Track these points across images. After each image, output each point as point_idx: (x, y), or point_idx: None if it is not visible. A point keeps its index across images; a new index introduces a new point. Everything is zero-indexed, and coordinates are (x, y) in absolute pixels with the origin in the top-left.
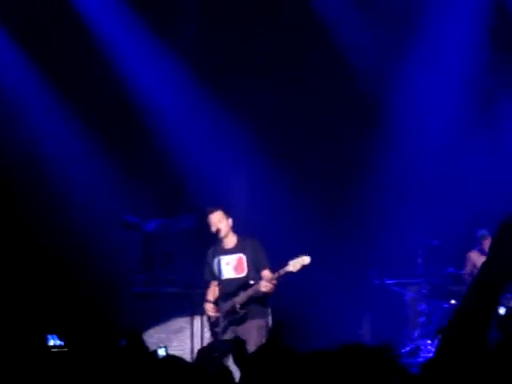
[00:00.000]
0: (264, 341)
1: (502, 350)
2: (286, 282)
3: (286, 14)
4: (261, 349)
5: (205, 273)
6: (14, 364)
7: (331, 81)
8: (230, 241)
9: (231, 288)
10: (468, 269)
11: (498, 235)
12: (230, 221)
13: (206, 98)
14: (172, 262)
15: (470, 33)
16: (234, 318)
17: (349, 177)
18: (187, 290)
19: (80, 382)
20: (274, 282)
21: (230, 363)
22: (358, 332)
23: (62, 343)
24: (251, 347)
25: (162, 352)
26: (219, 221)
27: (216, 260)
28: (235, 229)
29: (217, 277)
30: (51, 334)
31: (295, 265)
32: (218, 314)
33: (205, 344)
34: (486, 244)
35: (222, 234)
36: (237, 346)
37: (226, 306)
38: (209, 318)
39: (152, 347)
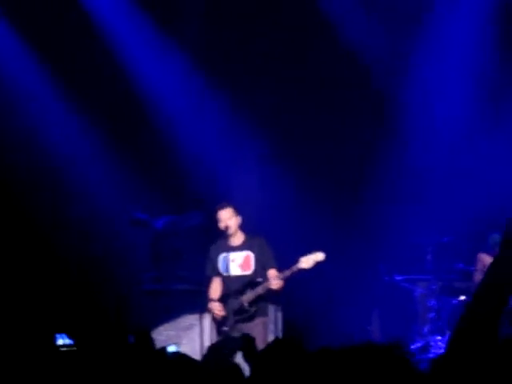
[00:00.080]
0: (269, 337)
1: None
2: (295, 279)
3: (296, 11)
4: (270, 346)
5: (206, 268)
6: (23, 364)
7: (341, 78)
8: (237, 238)
9: (237, 285)
10: (478, 269)
11: (507, 234)
12: (239, 219)
13: (214, 96)
14: (181, 259)
15: (480, 29)
16: (242, 316)
17: (359, 174)
18: (197, 287)
19: (89, 382)
20: (284, 279)
21: (240, 360)
22: (368, 328)
23: (72, 342)
24: (259, 344)
25: (172, 349)
26: (229, 218)
27: (221, 256)
28: (243, 227)
29: (220, 273)
30: (60, 333)
31: (308, 261)
32: (224, 314)
33: (214, 341)
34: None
35: (231, 231)
36: (247, 343)
37: (234, 304)
38: (213, 317)
39: (161, 344)
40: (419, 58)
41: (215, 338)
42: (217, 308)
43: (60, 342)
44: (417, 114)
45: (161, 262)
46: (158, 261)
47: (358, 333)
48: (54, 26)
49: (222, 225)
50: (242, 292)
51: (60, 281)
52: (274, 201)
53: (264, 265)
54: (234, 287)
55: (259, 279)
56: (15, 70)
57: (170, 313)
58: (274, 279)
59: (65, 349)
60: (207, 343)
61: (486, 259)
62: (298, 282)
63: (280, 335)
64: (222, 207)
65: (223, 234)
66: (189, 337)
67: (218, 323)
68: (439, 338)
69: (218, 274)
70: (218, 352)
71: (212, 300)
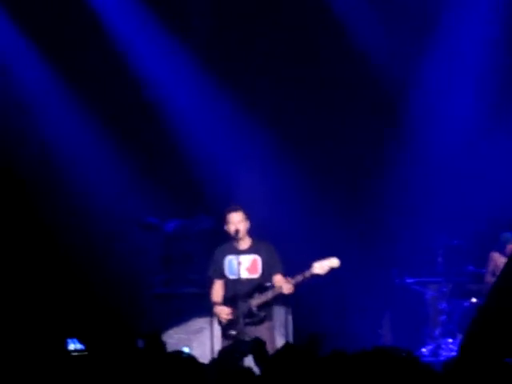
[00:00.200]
0: (277, 341)
1: None
2: (306, 283)
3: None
4: (281, 350)
5: (210, 270)
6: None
7: (344, 77)
8: (245, 242)
9: (243, 288)
10: (490, 268)
11: None
12: (248, 223)
13: (223, 98)
14: (191, 262)
15: (488, 31)
16: (252, 319)
17: (369, 176)
18: (207, 290)
19: None
20: (295, 284)
21: (251, 364)
22: (379, 331)
23: (83, 347)
24: (268, 348)
25: (186, 351)
26: (239, 221)
27: (228, 259)
28: (251, 233)
29: (224, 276)
30: (71, 337)
31: (323, 267)
32: (232, 317)
33: (224, 345)
34: (510, 248)
35: (240, 234)
36: (257, 347)
37: (243, 307)
38: (219, 320)
39: (172, 348)
40: (423, 59)
41: (224, 342)
42: (224, 312)
43: (71, 346)
44: (427, 115)
45: (171, 266)
46: (168, 264)
47: (369, 336)
48: (59, 25)
49: (231, 227)
50: (250, 295)
51: (71, 284)
52: (285, 203)
53: (271, 270)
54: (243, 290)
55: (268, 284)
56: (20, 69)
57: (180, 316)
58: (286, 284)
59: (76, 354)
60: (217, 346)
61: (498, 258)
62: (309, 285)
63: (291, 339)
64: (234, 210)
65: (230, 237)
66: (199, 340)
67: (224, 327)
68: (450, 340)
69: (221, 276)
70: (229, 355)
71: (216, 304)
